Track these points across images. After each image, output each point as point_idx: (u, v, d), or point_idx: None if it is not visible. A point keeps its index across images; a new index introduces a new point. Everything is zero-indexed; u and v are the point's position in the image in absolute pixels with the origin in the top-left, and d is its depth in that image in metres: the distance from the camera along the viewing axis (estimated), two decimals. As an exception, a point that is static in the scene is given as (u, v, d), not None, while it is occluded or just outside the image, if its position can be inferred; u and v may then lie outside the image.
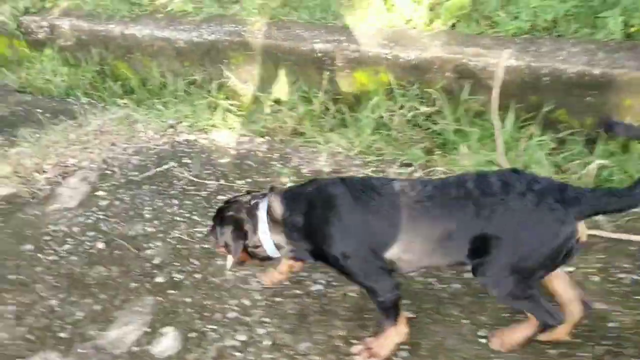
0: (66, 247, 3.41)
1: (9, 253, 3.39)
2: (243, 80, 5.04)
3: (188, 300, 2.93)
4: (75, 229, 3.55)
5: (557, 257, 2.14)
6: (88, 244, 3.39)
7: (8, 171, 4.03)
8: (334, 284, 2.91)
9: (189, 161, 4.12)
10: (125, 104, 4.93)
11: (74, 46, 6.08)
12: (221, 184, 3.81)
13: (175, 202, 3.66)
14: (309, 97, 4.79)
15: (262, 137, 4.37)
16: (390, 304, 2.40)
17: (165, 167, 3.99)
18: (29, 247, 3.39)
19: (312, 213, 2.37)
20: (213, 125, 4.55)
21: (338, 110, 4.56)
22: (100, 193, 3.86)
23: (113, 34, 5.72)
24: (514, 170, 2.24)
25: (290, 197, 2.47)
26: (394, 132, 4.17)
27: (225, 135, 4.44)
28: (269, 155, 4.14)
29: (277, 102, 4.85)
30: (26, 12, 6.33)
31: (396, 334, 2.48)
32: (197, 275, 3.07)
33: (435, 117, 4.23)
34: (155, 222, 3.48)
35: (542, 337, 2.47)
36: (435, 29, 4.50)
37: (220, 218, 2.57)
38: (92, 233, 3.50)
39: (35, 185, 3.97)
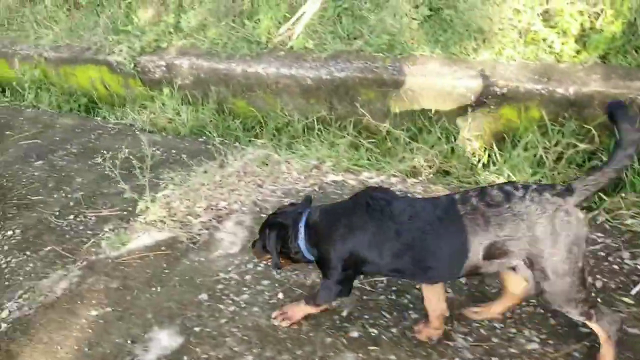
0: (244, 296, 3.31)
1: (186, 303, 3.31)
2: (376, 116, 4.92)
3: (392, 357, 2.76)
4: (247, 277, 3.46)
5: (579, 241, 2.30)
6: (267, 294, 3.27)
7: (163, 215, 3.97)
8: (550, 342, 2.70)
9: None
10: (263, 143, 4.86)
11: (191, 85, 6.09)
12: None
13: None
14: (448, 133, 4.64)
15: (413, 177, 4.22)
16: (333, 297, 2.84)
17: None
18: (204, 296, 3.31)
19: (332, 227, 2.69)
20: (358, 165, 4.43)
21: (482, 147, 4.39)
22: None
23: (235, 72, 5.71)
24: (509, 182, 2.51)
25: (324, 209, 2.81)
26: (553, 171, 3.98)
27: (375, 175, 4.30)
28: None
29: (413, 138, 4.70)
30: (142, 52, 6.38)
31: (307, 311, 2.96)
32: (393, 330, 2.91)
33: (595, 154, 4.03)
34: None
35: (477, 315, 2.90)
36: (585, 62, 4.30)
37: (269, 225, 2.84)
38: (266, 282, 3.40)
39: (192, 230, 3.89)
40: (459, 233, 2.37)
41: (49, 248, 3.91)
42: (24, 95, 7.11)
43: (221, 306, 3.27)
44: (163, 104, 6.03)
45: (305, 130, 5.20)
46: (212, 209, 4.12)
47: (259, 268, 3.53)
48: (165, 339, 3.08)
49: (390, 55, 5.11)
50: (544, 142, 4.17)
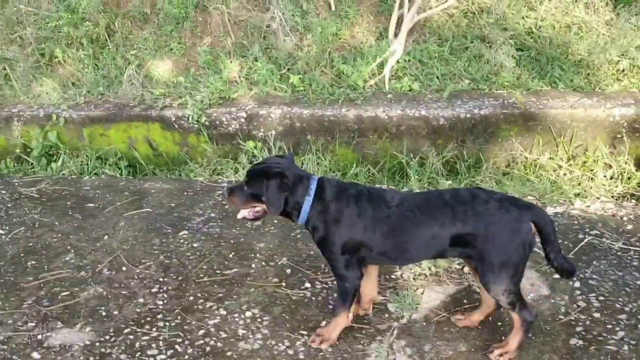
0: None
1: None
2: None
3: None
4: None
5: (525, 247, 2.80)
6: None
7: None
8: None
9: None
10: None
11: (281, 136, 5.58)
12: None
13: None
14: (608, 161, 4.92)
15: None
16: (351, 291, 3.07)
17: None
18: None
19: (340, 209, 2.97)
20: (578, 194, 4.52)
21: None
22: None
23: (345, 118, 5.38)
24: (478, 188, 3.02)
25: (339, 187, 3.03)
26: None
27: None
28: None
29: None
30: (210, 104, 5.71)
31: (345, 319, 3.15)
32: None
33: None
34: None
35: (459, 322, 3.34)
36: None
37: (266, 174, 2.91)
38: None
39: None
40: (433, 221, 2.86)
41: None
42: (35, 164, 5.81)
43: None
44: (253, 156, 5.41)
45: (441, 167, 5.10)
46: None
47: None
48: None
49: (515, 92, 5.26)
50: None
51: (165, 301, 3.70)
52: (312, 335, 3.31)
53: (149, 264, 4.05)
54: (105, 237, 4.36)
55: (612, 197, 4.52)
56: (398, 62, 5.78)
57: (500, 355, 3.07)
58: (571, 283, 3.59)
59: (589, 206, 4.35)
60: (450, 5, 6.09)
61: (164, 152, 5.90)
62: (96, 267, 4.03)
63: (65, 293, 3.80)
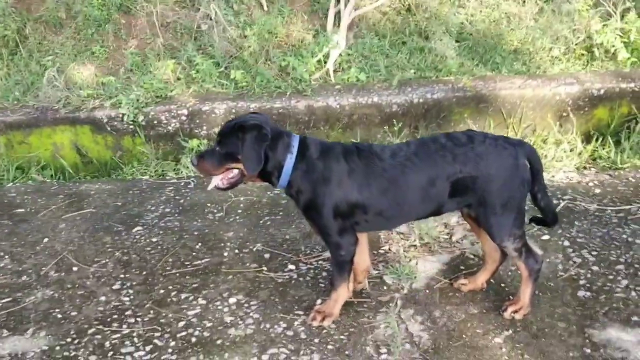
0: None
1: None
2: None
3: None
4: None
5: (524, 184, 2.72)
6: None
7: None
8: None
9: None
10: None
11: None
12: None
13: None
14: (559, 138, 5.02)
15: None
16: (348, 259, 2.81)
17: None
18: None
19: (329, 166, 2.71)
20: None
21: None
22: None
23: (295, 110, 5.18)
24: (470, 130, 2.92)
25: (324, 145, 2.78)
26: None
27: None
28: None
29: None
30: (146, 103, 5.30)
31: (346, 291, 2.91)
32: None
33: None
34: None
35: (463, 287, 3.13)
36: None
37: (241, 128, 2.63)
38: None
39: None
40: (432, 166, 2.67)
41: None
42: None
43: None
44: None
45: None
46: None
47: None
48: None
49: (462, 77, 5.30)
50: None
51: (131, 297, 3.21)
52: (310, 314, 2.97)
53: (104, 262, 3.54)
54: (45, 239, 3.79)
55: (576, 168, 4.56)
56: (341, 55, 5.65)
57: (515, 311, 2.89)
58: (560, 243, 3.51)
59: (553, 176, 4.36)
60: (383, 4, 6.09)
61: (95, 159, 5.33)
62: (40, 270, 3.46)
63: (7, 299, 3.21)
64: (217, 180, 2.77)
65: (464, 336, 2.83)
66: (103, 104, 5.25)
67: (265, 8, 6.21)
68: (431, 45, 5.68)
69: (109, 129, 5.20)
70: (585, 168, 4.52)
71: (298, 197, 2.76)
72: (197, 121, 5.18)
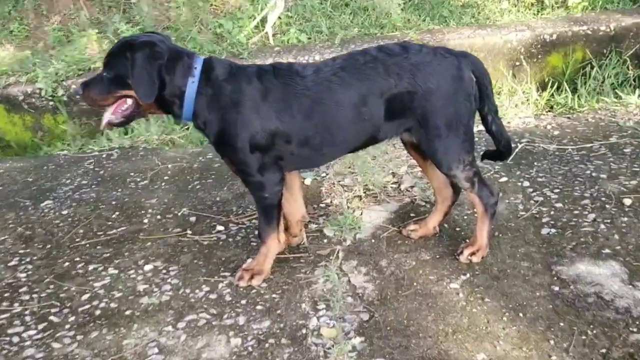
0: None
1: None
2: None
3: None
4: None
5: (470, 99, 2.31)
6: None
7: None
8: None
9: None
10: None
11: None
12: None
13: None
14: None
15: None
16: (274, 202, 2.38)
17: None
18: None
19: (238, 88, 2.25)
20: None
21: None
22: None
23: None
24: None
25: (234, 66, 2.32)
26: None
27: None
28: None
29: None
30: (67, 76, 4.77)
31: (275, 243, 2.47)
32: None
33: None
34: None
35: (413, 233, 2.70)
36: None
37: (130, 46, 2.18)
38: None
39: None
40: (363, 81, 2.23)
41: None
42: None
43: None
44: (126, 132, 4.53)
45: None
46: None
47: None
48: None
49: (409, 32, 4.91)
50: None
51: (29, 273, 2.70)
52: (237, 272, 2.52)
53: (2, 238, 2.99)
54: (-63, 220, 3.22)
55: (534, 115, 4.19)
56: (280, 18, 5.20)
57: (472, 254, 2.48)
58: (519, 184, 3.11)
59: (509, 122, 3.98)
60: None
61: (13, 141, 4.77)
62: None
63: None
64: (109, 115, 2.28)
65: (414, 284, 2.40)
66: (19, 80, 4.66)
67: (197, -23, 5.70)
68: (374, 3, 5.26)
69: (26, 107, 4.65)
70: (543, 113, 4.14)
71: (207, 129, 2.29)
72: (125, 93, 4.64)
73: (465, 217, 2.85)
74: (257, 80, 2.25)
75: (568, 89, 4.47)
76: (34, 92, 4.62)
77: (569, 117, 4.01)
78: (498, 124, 2.43)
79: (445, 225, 2.77)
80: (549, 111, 4.33)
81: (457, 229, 2.76)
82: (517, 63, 4.67)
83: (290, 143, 2.28)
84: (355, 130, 2.32)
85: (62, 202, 3.36)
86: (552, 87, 4.47)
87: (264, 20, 5.21)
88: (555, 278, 2.37)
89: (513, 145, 3.30)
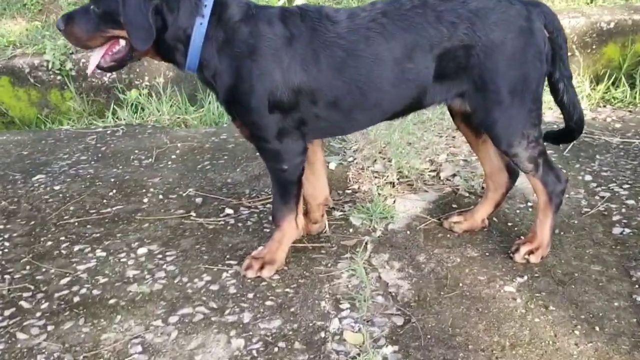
0: None
1: None
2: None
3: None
4: None
5: (541, 59, 1.87)
6: None
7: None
8: None
9: None
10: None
11: (173, 81, 4.39)
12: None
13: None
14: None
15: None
16: (294, 177, 1.98)
17: None
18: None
19: (257, 31, 1.84)
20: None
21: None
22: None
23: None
24: None
25: (252, 4, 1.89)
26: None
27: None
28: None
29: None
30: (75, 50, 4.39)
31: (293, 227, 2.05)
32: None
33: None
34: None
35: (457, 226, 2.24)
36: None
37: None
38: None
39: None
40: (408, 31, 1.81)
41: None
42: None
43: None
44: (136, 110, 4.14)
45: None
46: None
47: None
48: None
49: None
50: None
51: (5, 251, 2.31)
52: (245, 260, 2.10)
53: (-18, 212, 2.60)
54: None
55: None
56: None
57: (530, 252, 2.01)
58: (580, 177, 2.64)
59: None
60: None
61: (17, 117, 4.41)
62: None
63: None
64: (98, 57, 1.86)
65: (460, 285, 1.95)
66: (25, 52, 4.31)
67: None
68: None
69: (32, 80, 4.30)
70: (599, 106, 3.66)
71: (216, 83, 1.87)
72: (138, 70, 4.31)
73: (518, 212, 2.38)
74: (280, 23, 1.83)
75: (626, 84, 3.96)
76: (40, 65, 4.27)
77: (630, 111, 3.51)
78: (571, 93, 1.97)
79: (495, 219, 2.31)
80: (605, 106, 3.84)
81: (509, 223, 2.31)
82: (569, 53, 4.16)
83: (316, 103, 1.85)
84: (396, 92, 1.88)
85: (55, 177, 2.97)
86: (608, 79, 3.97)
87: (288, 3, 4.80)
88: (637, 286, 1.88)
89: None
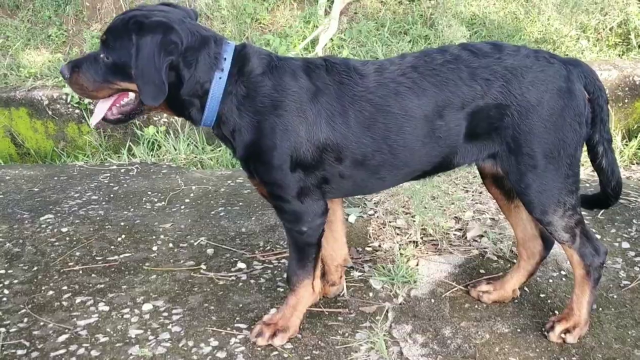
0: None
1: None
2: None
3: None
4: None
5: (581, 122, 1.75)
6: None
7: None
8: None
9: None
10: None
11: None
12: None
13: None
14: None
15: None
16: (313, 239, 1.85)
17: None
18: None
19: (280, 85, 1.73)
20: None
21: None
22: None
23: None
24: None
25: (274, 57, 1.79)
26: None
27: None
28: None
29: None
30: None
31: (309, 292, 1.92)
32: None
33: None
34: None
35: (486, 296, 2.09)
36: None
37: (138, 25, 1.65)
38: None
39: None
40: (440, 87, 1.70)
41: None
42: None
43: None
44: (153, 148, 4.04)
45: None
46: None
47: None
48: None
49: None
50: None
51: (4, 299, 2.18)
52: (256, 326, 1.93)
53: (-16, 254, 2.48)
54: None
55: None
56: (332, 40, 4.71)
57: (566, 331, 1.82)
58: (617, 244, 2.45)
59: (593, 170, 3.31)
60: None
61: (33, 149, 4.35)
62: None
63: None
64: (104, 109, 1.74)
65: (489, 366, 1.75)
66: (45, 84, 4.26)
67: (249, -5, 5.30)
68: (437, 32, 4.74)
69: (50, 112, 4.24)
70: (632, 164, 3.49)
71: (234, 139, 1.74)
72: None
73: (551, 281, 2.20)
74: (305, 76, 1.71)
75: (660, 140, 3.80)
76: (59, 98, 4.21)
77: (667, 171, 3.33)
78: (610, 157, 1.83)
79: (526, 289, 2.14)
80: (639, 163, 3.66)
81: (542, 295, 2.13)
82: (600, 106, 4.02)
83: (341, 161, 1.71)
84: (426, 150, 1.75)
85: (64, 217, 2.85)
86: (640, 136, 3.81)
87: (314, 41, 4.74)
88: (688, 378, 1.69)
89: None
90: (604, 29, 4.67)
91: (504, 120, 1.71)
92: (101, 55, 1.69)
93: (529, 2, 5.07)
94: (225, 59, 1.72)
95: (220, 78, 1.71)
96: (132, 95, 1.74)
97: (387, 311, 2.04)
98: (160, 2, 1.89)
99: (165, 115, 4.23)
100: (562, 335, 1.87)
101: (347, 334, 1.93)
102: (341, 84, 1.70)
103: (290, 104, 1.68)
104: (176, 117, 1.88)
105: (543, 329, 1.90)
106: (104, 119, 1.76)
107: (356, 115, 1.69)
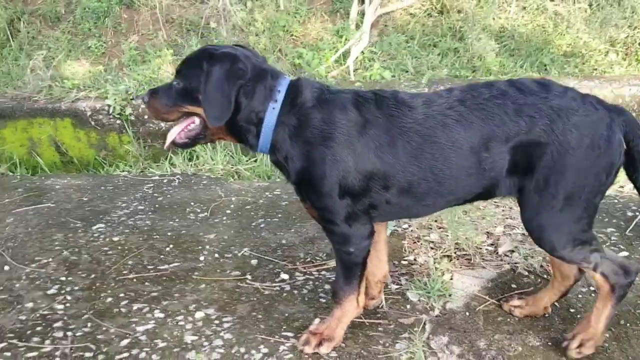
0: None
1: None
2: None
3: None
4: None
5: (611, 171, 1.84)
6: None
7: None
8: None
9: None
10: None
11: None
12: None
13: None
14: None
15: None
16: (359, 259, 1.97)
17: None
18: None
19: (330, 118, 1.86)
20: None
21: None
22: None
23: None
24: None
25: (325, 90, 1.92)
26: None
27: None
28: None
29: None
30: (136, 95, 4.54)
31: (354, 306, 2.05)
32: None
33: None
34: None
35: (518, 310, 2.22)
36: None
37: (209, 55, 1.86)
38: None
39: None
40: (486, 120, 1.81)
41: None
42: None
43: None
44: (190, 158, 4.23)
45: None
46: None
47: None
48: None
49: (503, 78, 4.46)
50: None
51: (67, 305, 2.36)
52: (303, 335, 2.09)
53: (45, 261, 2.71)
54: (-17, 234, 2.96)
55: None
56: (363, 53, 4.88)
57: (581, 345, 1.94)
58: (645, 261, 2.56)
59: (622, 186, 3.44)
60: (412, 5, 5.37)
61: (76, 158, 4.58)
62: (-38, 268, 2.62)
63: None
64: (175, 133, 1.94)
65: (523, 377, 1.89)
66: (88, 95, 4.49)
67: (282, 7, 5.50)
68: (467, 45, 4.88)
69: (92, 123, 4.46)
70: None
71: (287, 166, 1.91)
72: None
73: (580, 296, 2.34)
74: (354, 109, 1.86)
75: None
76: (102, 109, 4.43)
77: (694, 187, 3.42)
78: None
79: (556, 304, 2.27)
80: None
81: (572, 310, 2.26)
82: (628, 121, 4.12)
83: (388, 189, 1.87)
84: (470, 181, 1.88)
85: (114, 227, 3.05)
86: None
87: (346, 54, 4.91)
88: None
89: (631, 214, 2.82)
90: (633, 43, 4.76)
91: (542, 158, 1.82)
92: (174, 83, 1.89)
93: (558, 15, 5.18)
94: (279, 91, 1.89)
95: (273, 108, 1.88)
96: (197, 121, 1.92)
97: (424, 323, 2.19)
98: (233, 44, 2.10)
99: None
100: (580, 350, 1.99)
101: (387, 344, 2.09)
102: (390, 116, 1.85)
103: (339, 136, 1.84)
104: (237, 144, 2.06)
105: (563, 344, 2.02)
106: (174, 142, 1.95)
107: (404, 146, 1.84)
